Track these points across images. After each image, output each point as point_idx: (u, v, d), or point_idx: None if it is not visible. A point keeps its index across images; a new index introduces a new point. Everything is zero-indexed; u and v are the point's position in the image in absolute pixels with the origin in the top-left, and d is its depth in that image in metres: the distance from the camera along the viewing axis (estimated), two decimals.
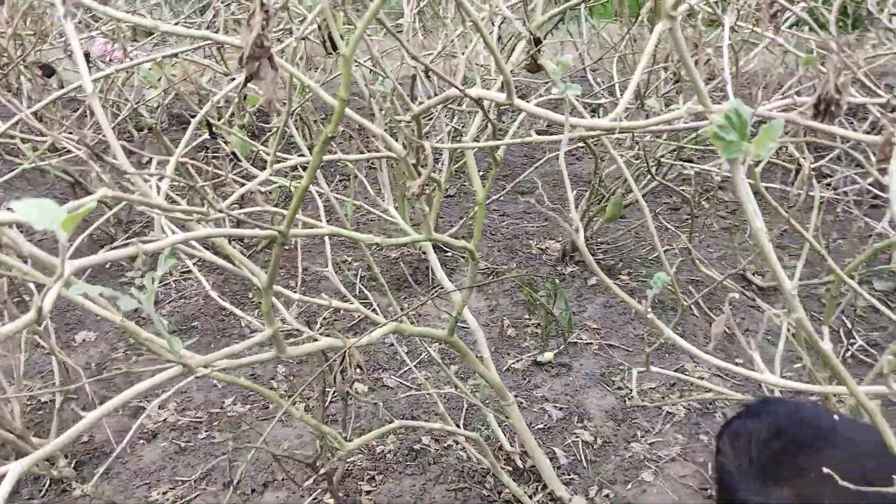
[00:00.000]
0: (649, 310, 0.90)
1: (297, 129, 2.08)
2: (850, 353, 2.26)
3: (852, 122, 2.29)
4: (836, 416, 0.82)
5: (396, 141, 2.08)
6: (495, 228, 3.14)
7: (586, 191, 2.81)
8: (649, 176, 2.57)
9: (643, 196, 2.75)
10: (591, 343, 2.43)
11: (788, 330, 1.66)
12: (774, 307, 2.43)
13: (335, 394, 2.11)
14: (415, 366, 2.21)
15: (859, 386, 0.75)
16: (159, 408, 2.12)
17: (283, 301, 2.15)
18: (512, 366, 2.33)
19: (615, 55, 2.60)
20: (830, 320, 1.72)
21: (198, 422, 2.09)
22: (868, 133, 2.52)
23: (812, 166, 1.96)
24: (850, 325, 2.34)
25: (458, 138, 2.76)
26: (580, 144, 3.25)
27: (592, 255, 2.91)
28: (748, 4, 2.06)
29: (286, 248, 2.86)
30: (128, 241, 2.77)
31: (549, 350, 2.37)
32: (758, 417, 0.82)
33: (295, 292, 1.57)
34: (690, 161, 2.96)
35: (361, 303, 2.32)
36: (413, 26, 2.34)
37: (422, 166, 1.44)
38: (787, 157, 2.91)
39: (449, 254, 2.89)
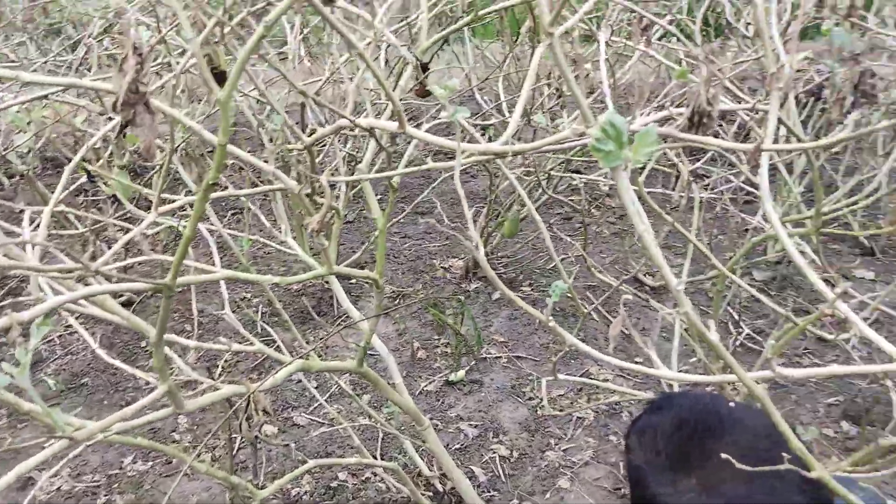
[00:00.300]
0: (550, 318, 0.91)
1: (182, 164, 1.99)
2: (738, 342, 2.40)
3: (722, 126, 2.45)
4: (731, 404, 0.85)
5: (291, 169, 2.04)
6: (398, 251, 3.13)
7: (484, 207, 2.86)
8: (542, 189, 2.64)
9: (537, 209, 2.83)
10: (499, 357, 2.46)
11: (682, 326, 1.74)
12: (666, 305, 2.55)
13: (244, 440, 2.02)
14: (326, 400, 2.16)
15: (748, 372, 0.80)
16: (51, 476, 1.96)
17: (179, 349, 2.04)
18: (425, 388, 2.32)
19: (500, 74, 2.67)
20: (719, 313, 1.83)
21: (96, 486, 1.94)
22: (737, 133, 2.69)
23: (689, 169, 2.08)
24: (736, 316, 2.49)
25: (353, 163, 2.74)
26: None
27: (493, 269, 2.96)
28: (620, 20, 2.17)
29: (179, 290, 2.73)
30: (2, 300, 2.56)
31: (461, 368, 2.38)
32: (661, 412, 0.84)
33: (191, 337, 1.49)
34: (578, 172, 3.07)
35: (264, 341, 2.25)
36: (298, 53, 2.31)
37: (318, 195, 1.41)
38: (667, 162, 3.08)
39: (353, 280, 2.85)
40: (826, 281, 2.37)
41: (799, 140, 1.30)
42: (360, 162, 2.09)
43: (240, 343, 1.53)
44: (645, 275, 2.78)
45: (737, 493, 0.72)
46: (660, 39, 2.73)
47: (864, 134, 0.91)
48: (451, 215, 3.36)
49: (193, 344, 1.46)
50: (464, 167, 3.67)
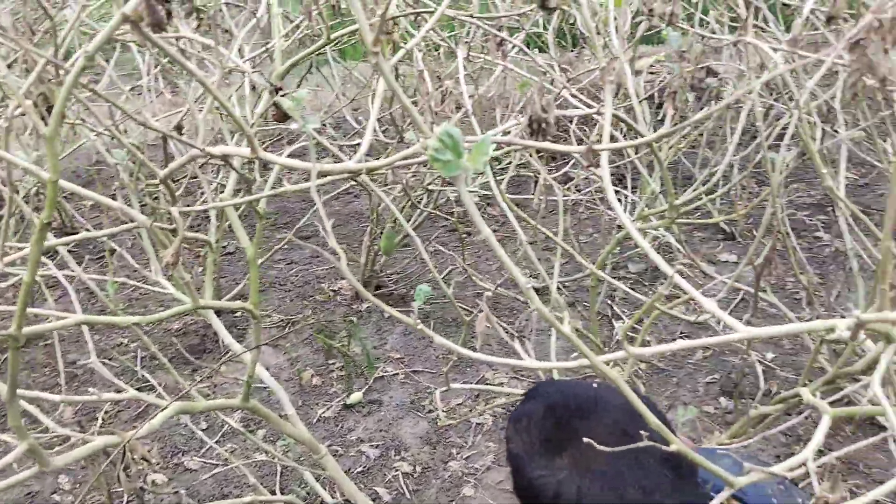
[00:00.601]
0: (418, 321, 0.92)
1: (37, 209, 1.87)
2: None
3: (585, 129, 2.58)
4: (594, 385, 0.90)
5: (158, 204, 1.95)
6: (284, 278, 3.07)
7: (368, 226, 2.86)
8: (424, 204, 2.68)
9: (421, 223, 2.86)
10: (397, 373, 2.46)
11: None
12: (545, 305, 2.63)
13: (130, 493, 1.91)
14: (220, 439, 2.08)
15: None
16: None
17: (49, 405, 1.91)
18: (322, 415, 2.28)
19: (370, 93, 2.69)
20: (596, 307, 1.91)
21: None
22: (600, 135, 2.83)
23: (558, 174, 2.17)
24: (616, 309, 2.61)
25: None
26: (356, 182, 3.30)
27: (384, 286, 2.96)
28: (475, 36, 2.24)
29: (45, 342, 2.56)
30: None
31: (357, 390, 2.35)
32: (533, 401, 0.88)
33: (60, 392, 1.40)
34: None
35: (142, 387, 2.14)
36: (156, 85, 2.23)
37: (174, 232, 1.37)
38: (536, 170, 3.19)
39: (239, 314, 2.77)
40: (693, 266, 2.50)
41: (640, 135, 1.39)
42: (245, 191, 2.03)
43: (117, 392, 1.45)
44: (530, 276, 2.86)
45: (604, 467, 0.76)
46: (520, 52, 2.84)
47: (687, 125, 0.98)
48: (337, 236, 3.34)
49: (59, 398, 1.37)
50: (346, 188, 3.61)
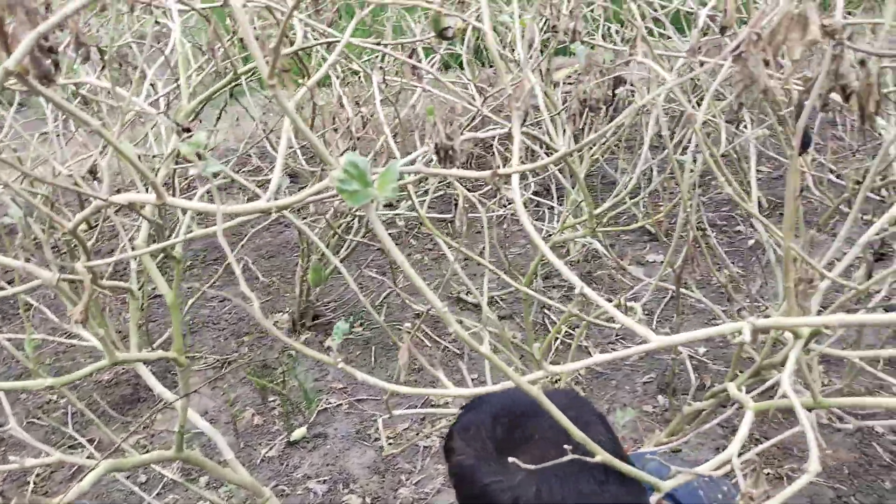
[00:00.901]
0: (339, 359, 0.91)
1: None
2: (558, 341, 2.55)
3: (507, 145, 2.62)
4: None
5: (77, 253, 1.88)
6: (217, 316, 2.99)
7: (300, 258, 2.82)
8: (358, 229, 2.67)
9: (354, 250, 2.84)
10: (340, 404, 2.43)
11: (490, 341, 1.82)
12: (480, 321, 2.64)
13: None
14: (160, 492, 2.01)
15: (563, 365, 0.86)
16: None
17: None
18: (266, 455, 2.23)
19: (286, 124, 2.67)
20: (530, 319, 1.93)
21: None
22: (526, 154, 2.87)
23: (487, 188, 2.20)
24: (552, 317, 2.65)
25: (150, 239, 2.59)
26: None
27: (322, 315, 2.92)
28: (392, 61, 2.26)
29: None
30: None
31: (300, 426, 2.31)
32: (477, 409, 0.87)
33: None
34: (390, 205, 3.13)
35: (76, 444, 2.05)
36: (62, 131, 2.16)
37: (114, 280, 1.32)
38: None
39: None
40: (623, 269, 2.54)
41: (554, 151, 1.42)
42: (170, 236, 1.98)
43: (46, 455, 1.38)
44: (466, 294, 2.88)
45: (559, 465, 0.77)
46: (439, 71, 2.87)
47: (590, 141, 1.01)
48: (269, 268, 3.29)
49: None
50: (276, 218, 3.55)
